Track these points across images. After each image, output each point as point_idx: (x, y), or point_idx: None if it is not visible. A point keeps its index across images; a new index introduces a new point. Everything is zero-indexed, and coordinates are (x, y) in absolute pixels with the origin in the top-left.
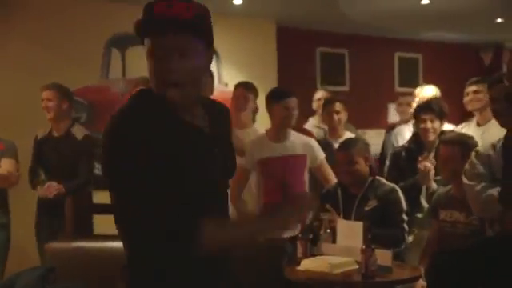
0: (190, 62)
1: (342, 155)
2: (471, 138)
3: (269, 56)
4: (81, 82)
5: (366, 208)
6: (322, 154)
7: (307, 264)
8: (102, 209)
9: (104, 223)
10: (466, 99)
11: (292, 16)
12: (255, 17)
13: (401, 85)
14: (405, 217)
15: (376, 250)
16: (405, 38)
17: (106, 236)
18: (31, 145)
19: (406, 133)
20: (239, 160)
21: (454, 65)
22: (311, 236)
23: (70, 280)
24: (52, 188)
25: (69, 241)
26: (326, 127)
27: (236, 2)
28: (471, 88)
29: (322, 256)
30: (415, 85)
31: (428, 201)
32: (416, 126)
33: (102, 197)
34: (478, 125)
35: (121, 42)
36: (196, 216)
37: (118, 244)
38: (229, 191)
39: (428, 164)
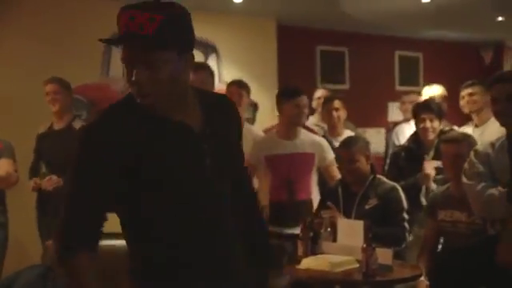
0: (159, 73)
1: (343, 153)
2: (472, 136)
3: (269, 54)
4: (80, 79)
5: (367, 206)
6: (331, 155)
7: (308, 263)
8: None
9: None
10: (462, 102)
11: (292, 14)
12: (255, 15)
13: (401, 83)
14: (405, 215)
15: (377, 249)
16: (405, 36)
17: (107, 234)
18: (29, 143)
19: (406, 131)
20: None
21: (455, 63)
22: (312, 235)
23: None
24: (52, 181)
25: None
26: (325, 126)
27: (236, 0)
28: (466, 91)
29: (323, 255)
30: (416, 84)
31: (427, 200)
32: (415, 125)
33: None
34: (476, 126)
35: None
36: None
37: (120, 242)
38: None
39: (433, 172)
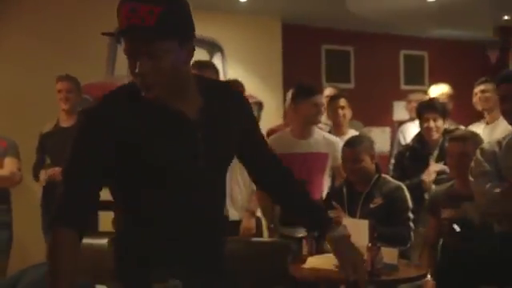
0: (161, 63)
1: (348, 152)
2: (478, 134)
3: (274, 53)
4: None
5: (372, 206)
6: None
7: (313, 262)
8: (107, 205)
9: (109, 220)
10: (475, 99)
11: (297, 13)
12: (260, 14)
13: (406, 83)
14: (411, 215)
15: (382, 248)
16: (410, 35)
17: (112, 233)
18: (32, 141)
19: (412, 130)
20: None
21: (460, 63)
22: (316, 234)
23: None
24: (58, 171)
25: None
26: (327, 121)
27: (242, 0)
28: (479, 88)
29: (328, 254)
30: (421, 83)
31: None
32: (419, 125)
33: (105, 193)
34: (487, 124)
35: None
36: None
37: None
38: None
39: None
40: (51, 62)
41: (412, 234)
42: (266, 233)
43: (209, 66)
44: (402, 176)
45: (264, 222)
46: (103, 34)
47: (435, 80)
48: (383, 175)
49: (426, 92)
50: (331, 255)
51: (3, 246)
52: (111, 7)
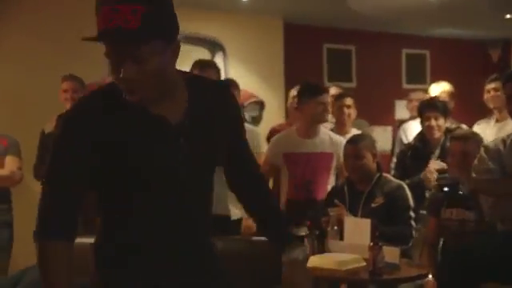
0: (147, 65)
1: (350, 149)
2: (479, 134)
3: (275, 52)
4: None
5: (373, 205)
6: None
7: (315, 261)
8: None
9: None
10: (487, 96)
11: (299, 13)
12: (262, 13)
13: (408, 82)
14: (412, 214)
15: (384, 248)
16: (412, 34)
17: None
18: (33, 140)
19: (414, 129)
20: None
21: (462, 61)
22: (318, 233)
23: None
24: None
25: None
26: (332, 119)
27: None
28: (490, 85)
29: (330, 253)
30: (422, 81)
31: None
32: (421, 124)
33: None
34: (497, 121)
35: None
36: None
37: None
38: (211, 183)
39: (431, 174)
40: (52, 62)
41: (414, 232)
42: None
43: (210, 65)
44: (403, 175)
45: None
46: (84, 39)
47: (437, 79)
48: (384, 174)
49: (426, 90)
50: (332, 254)
51: (4, 245)
52: None
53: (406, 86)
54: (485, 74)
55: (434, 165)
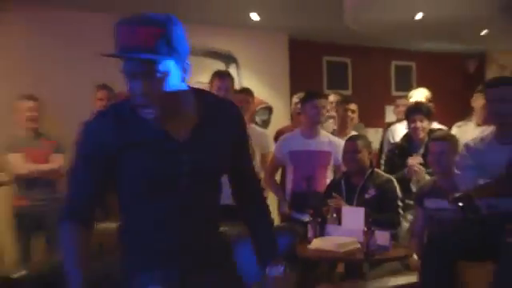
0: (159, 83)
1: (349, 144)
2: (455, 136)
3: (282, 64)
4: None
5: (366, 196)
6: None
7: (317, 243)
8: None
9: None
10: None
11: (302, 29)
12: (270, 30)
13: (397, 89)
14: (400, 203)
15: (376, 232)
16: (400, 48)
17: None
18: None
19: (400, 130)
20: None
21: (443, 72)
22: (319, 220)
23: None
24: None
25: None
26: (334, 126)
27: (254, 18)
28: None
29: (329, 236)
30: (409, 89)
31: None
32: (408, 125)
33: None
34: (479, 125)
35: None
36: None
37: None
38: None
39: (415, 168)
40: (91, 73)
41: (401, 219)
42: (277, 219)
43: (227, 74)
44: (392, 170)
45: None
46: (103, 54)
47: (422, 87)
48: (376, 170)
49: (406, 97)
50: (332, 237)
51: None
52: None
53: (394, 93)
54: (462, 83)
55: (413, 160)
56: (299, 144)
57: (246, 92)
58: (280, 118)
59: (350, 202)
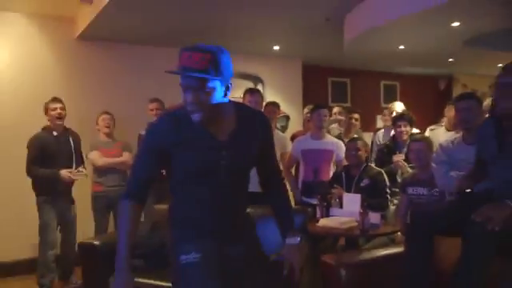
0: (207, 96)
1: (351, 144)
2: (429, 137)
3: (296, 83)
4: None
5: (362, 185)
6: (342, 155)
7: (323, 222)
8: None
9: None
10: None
11: (312, 57)
12: (288, 57)
13: (385, 102)
14: (388, 190)
15: (369, 213)
16: (387, 71)
17: None
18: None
19: (382, 134)
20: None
21: (420, 89)
22: (325, 204)
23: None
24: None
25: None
26: (341, 129)
27: (275, 48)
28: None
29: (334, 217)
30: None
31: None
32: (394, 130)
33: None
34: (447, 130)
35: None
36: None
37: None
38: (246, 180)
39: (399, 163)
40: (149, 94)
41: (389, 203)
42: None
43: (258, 91)
44: (381, 164)
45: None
46: (167, 71)
47: (404, 100)
48: (369, 164)
49: (390, 108)
50: (335, 218)
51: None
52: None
53: (383, 105)
54: (435, 98)
55: (396, 157)
56: (309, 144)
57: (273, 104)
58: (295, 125)
59: (348, 189)
